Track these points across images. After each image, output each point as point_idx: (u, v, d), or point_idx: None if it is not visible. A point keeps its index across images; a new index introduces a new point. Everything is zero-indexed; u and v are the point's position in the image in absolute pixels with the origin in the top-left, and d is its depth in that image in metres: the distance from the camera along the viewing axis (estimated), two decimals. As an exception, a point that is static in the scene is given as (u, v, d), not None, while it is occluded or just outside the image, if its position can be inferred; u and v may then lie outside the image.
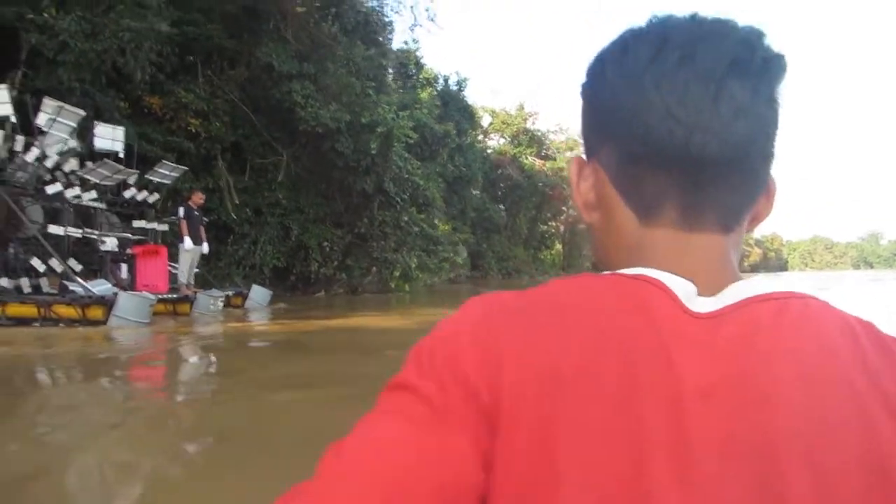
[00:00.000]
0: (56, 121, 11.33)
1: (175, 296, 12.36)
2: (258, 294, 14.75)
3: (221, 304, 12.78)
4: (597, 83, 0.64)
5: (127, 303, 9.94)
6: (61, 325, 9.76)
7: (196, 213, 13.05)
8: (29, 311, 9.76)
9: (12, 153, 11.61)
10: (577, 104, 0.69)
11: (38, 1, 13.00)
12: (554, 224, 56.33)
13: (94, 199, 12.52)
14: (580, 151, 0.73)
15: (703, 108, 0.57)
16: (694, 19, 0.60)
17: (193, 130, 17.99)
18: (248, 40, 19.49)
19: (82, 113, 11.79)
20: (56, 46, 12.79)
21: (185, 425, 4.81)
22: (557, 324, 0.55)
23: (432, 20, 27.14)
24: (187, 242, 12.72)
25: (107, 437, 4.31)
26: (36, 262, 10.70)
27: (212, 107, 18.38)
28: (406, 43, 31.03)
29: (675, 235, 0.61)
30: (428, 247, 24.23)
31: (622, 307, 0.56)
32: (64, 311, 9.73)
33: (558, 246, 57.89)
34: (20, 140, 11.45)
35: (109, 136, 13.43)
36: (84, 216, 12.74)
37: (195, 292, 12.69)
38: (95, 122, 13.33)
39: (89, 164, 11.77)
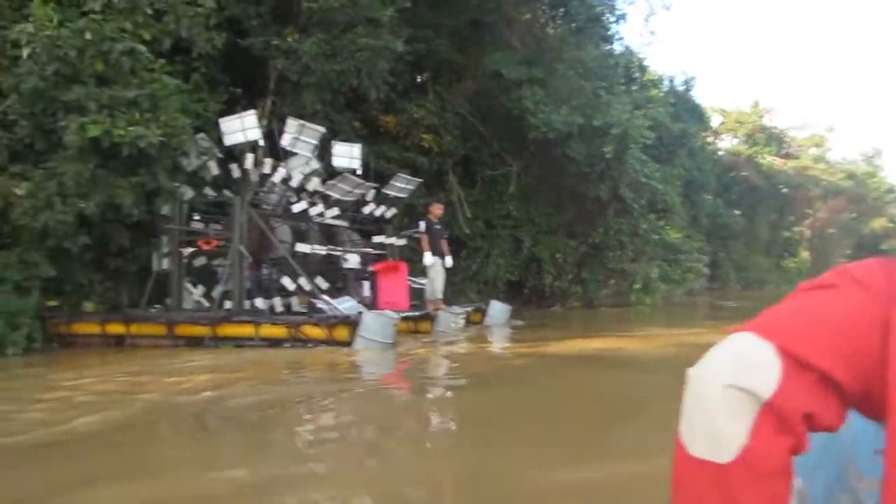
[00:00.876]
0: (299, 139, 11.19)
1: (417, 313, 11.71)
2: (497, 310, 13.78)
3: (462, 322, 11.93)
4: None
5: (372, 323, 9.32)
6: (309, 345, 9.37)
7: (437, 226, 12.39)
8: (280, 332, 9.48)
9: (263, 177, 11.68)
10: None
11: (283, 28, 13.17)
12: (798, 229, 50.42)
13: (336, 217, 12.29)
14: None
15: None
16: None
17: (426, 146, 17.65)
18: (475, 52, 18.88)
19: (322, 130, 11.59)
20: (300, 69, 12.83)
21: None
22: None
23: (667, 8, 24.58)
24: (427, 257, 12.05)
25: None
26: (286, 282, 10.52)
27: (442, 121, 17.94)
28: (638, 36, 28.87)
29: None
30: (668, 256, 22.03)
31: None
32: (312, 331, 9.33)
33: (804, 253, 51.71)
34: (268, 163, 11.47)
35: (347, 154, 13.21)
36: (327, 234, 12.58)
37: (437, 309, 11.95)
38: (333, 142, 13.21)
39: (330, 182, 11.53)
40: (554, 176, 19.38)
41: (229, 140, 11.33)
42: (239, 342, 9.66)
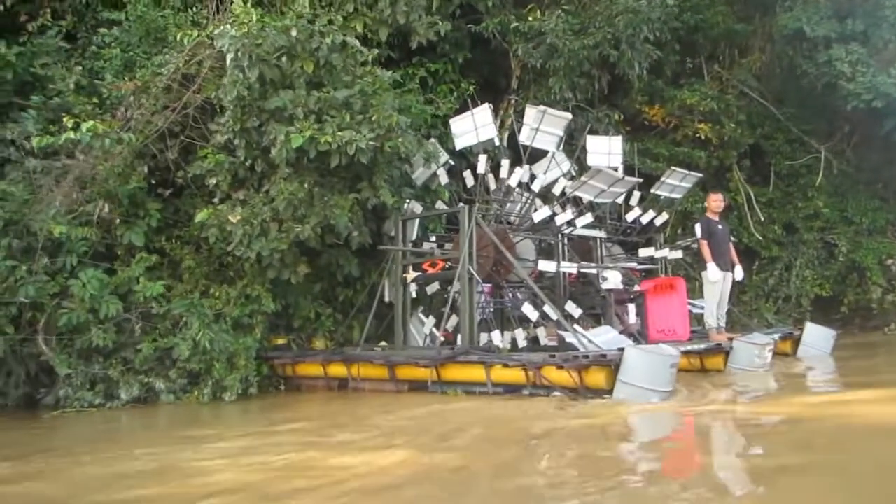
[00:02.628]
0: (539, 130, 8.81)
1: (703, 346, 8.60)
2: (815, 336, 10.02)
3: (770, 355, 8.51)
4: None
5: (639, 363, 6.52)
6: (556, 394, 6.86)
7: (719, 226, 9.19)
8: (515, 376, 7.10)
9: (501, 183, 9.52)
10: None
11: (523, 8, 11.00)
12: None
13: (590, 226, 9.68)
14: None
15: None
16: None
17: (703, 137, 14.22)
18: (762, 15, 15.04)
19: (568, 116, 9.09)
20: (544, 53, 10.52)
21: None
22: None
23: None
24: (712, 271, 8.91)
25: None
26: (527, 310, 8.15)
27: (723, 106, 14.34)
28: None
29: None
30: None
31: None
32: (556, 375, 6.80)
33: None
34: (505, 165, 9.26)
35: (605, 150, 10.54)
36: (580, 248, 10.01)
37: (730, 338, 8.72)
38: (587, 137, 10.65)
39: (579, 179, 8.89)
40: (880, 160, 14.67)
41: (461, 142, 9.36)
42: (468, 387, 7.49)
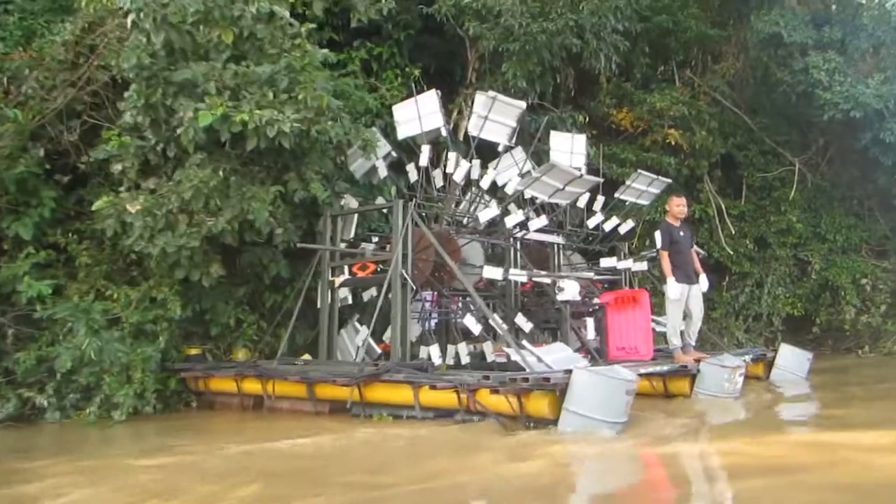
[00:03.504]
0: (488, 119, 7.77)
1: (666, 367, 7.57)
2: (791, 359, 9.05)
3: (741, 380, 7.49)
4: None
5: (588, 389, 5.45)
6: (495, 420, 5.75)
7: (681, 233, 8.18)
8: (446, 399, 5.98)
9: (446, 176, 8.44)
10: None
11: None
12: None
13: (547, 231, 8.65)
14: None
15: None
16: None
17: (672, 143, 13.31)
18: (737, 21, 14.25)
19: (521, 106, 8.04)
20: (498, 34, 9.48)
21: None
22: None
23: None
24: (672, 287, 7.87)
25: None
26: (469, 322, 7.07)
27: (694, 112, 13.48)
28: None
29: None
30: None
31: None
32: (492, 401, 5.70)
33: None
34: (453, 159, 8.18)
35: (566, 148, 9.59)
36: (536, 255, 8.98)
37: (698, 360, 7.69)
38: (551, 133, 9.68)
39: (533, 172, 7.82)
40: (856, 174, 13.93)
41: (404, 131, 8.28)
42: (395, 411, 6.37)
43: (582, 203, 9.62)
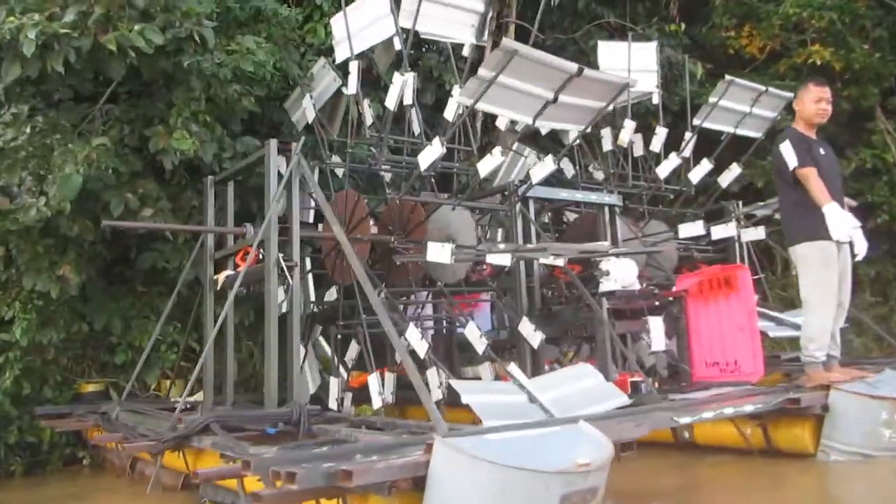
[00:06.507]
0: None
1: (775, 399, 3.98)
2: None
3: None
4: None
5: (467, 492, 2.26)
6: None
7: (821, 151, 4.51)
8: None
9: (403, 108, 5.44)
10: None
11: None
12: None
13: (591, 185, 5.37)
14: None
15: None
16: None
17: (820, 64, 9.19)
18: None
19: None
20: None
21: None
22: None
23: None
24: (834, 214, 4.17)
25: None
26: (471, 334, 4.20)
27: (846, 19, 9.28)
28: None
29: None
30: None
31: None
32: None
33: None
34: (398, 80, 5.10)
35: (621, 65, 6.27)
36: (582, 227, 5.77)
37: (831, 382, 4.01)
38: (599, 44, 6.41)
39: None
40: None
41: (343, 52, 5.39)
42: (231, 496, 3.50)
43: (657, 146, 6.24)
